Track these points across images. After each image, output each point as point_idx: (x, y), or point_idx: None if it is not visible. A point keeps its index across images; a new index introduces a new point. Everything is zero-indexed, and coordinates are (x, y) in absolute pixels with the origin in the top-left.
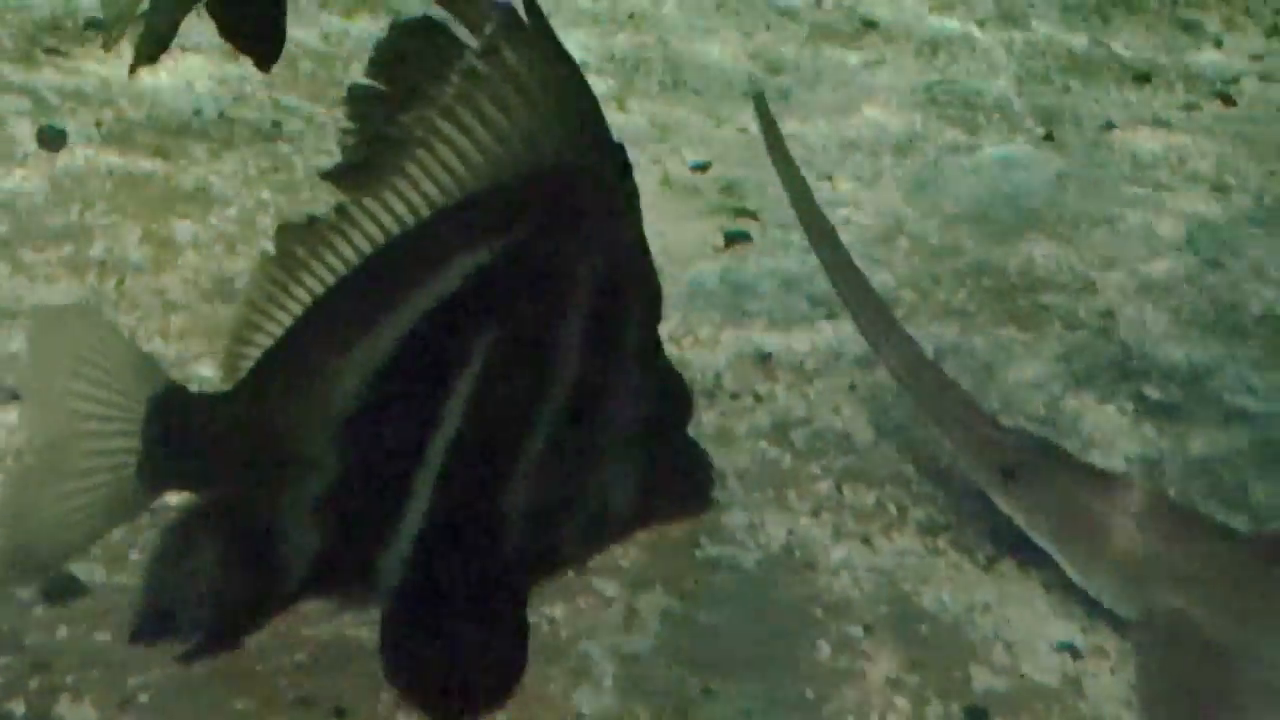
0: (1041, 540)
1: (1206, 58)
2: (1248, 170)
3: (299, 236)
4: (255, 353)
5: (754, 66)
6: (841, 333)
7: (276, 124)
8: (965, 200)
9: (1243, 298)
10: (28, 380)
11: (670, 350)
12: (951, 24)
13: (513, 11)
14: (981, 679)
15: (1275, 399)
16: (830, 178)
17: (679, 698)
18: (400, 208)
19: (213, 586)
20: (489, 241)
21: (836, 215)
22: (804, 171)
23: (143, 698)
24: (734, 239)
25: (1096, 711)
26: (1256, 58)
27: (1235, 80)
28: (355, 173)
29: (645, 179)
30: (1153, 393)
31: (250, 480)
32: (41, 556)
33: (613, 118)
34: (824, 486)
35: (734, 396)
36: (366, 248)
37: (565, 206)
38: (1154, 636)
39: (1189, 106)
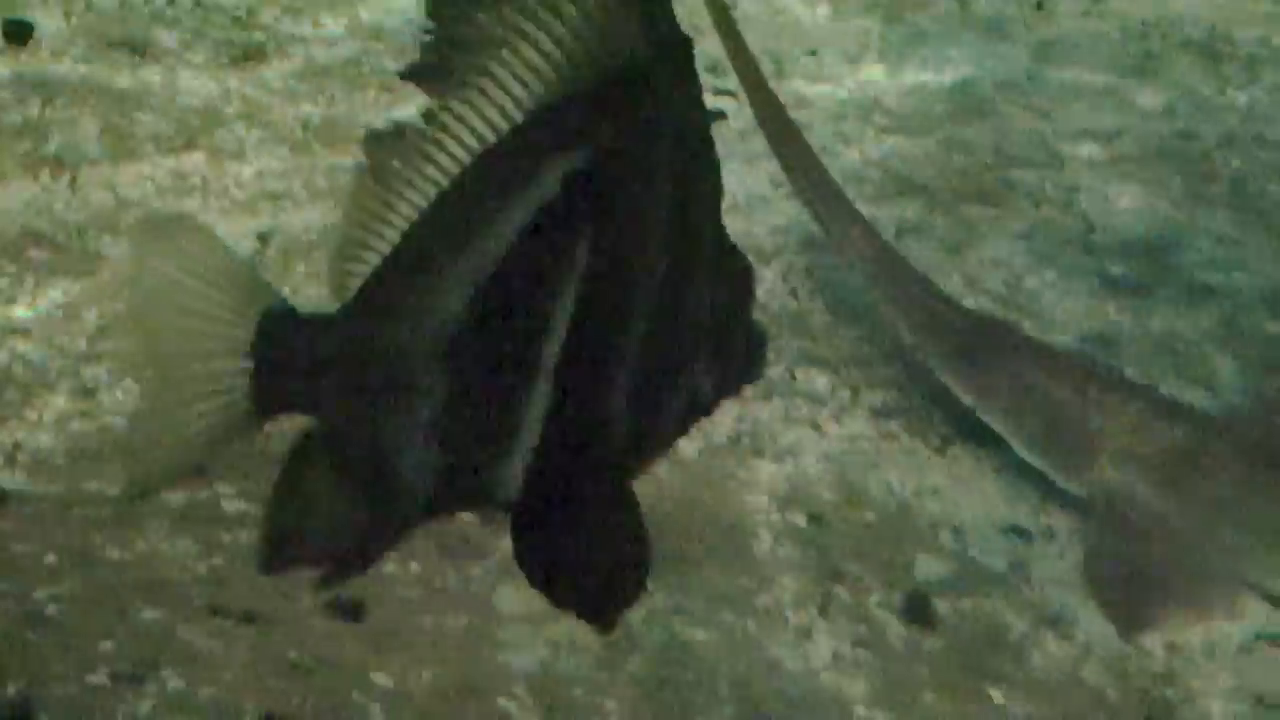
0: (994, 420)
1: None
2: (1242, 36)
3: (391, 147)
4: (361, 269)
5: None
6: (804, 214)
7: (252, 11)
8: (947, 74)
9: (1213, 169)
10: (133, 295)
11: None
12: None
13: None
14: (926, 565)
15: (1237, 273)
16: (815, 52)
17: None
18: (490, 111)
19: (336, 512)
20: (578, 144)
21: (816, 91)
22: (792, 47)
23: (50, 609)
24: None
25: (1041, 595)
26: None
27: None
28: (439, 74)
29: None
30: (1115, 269)
31: (366, 402)
32: (156, 475)
33: None
34: (776, 371)
35: None
36: (460, 154)
37: (645, 103)
38: (1103, 516)
39: None
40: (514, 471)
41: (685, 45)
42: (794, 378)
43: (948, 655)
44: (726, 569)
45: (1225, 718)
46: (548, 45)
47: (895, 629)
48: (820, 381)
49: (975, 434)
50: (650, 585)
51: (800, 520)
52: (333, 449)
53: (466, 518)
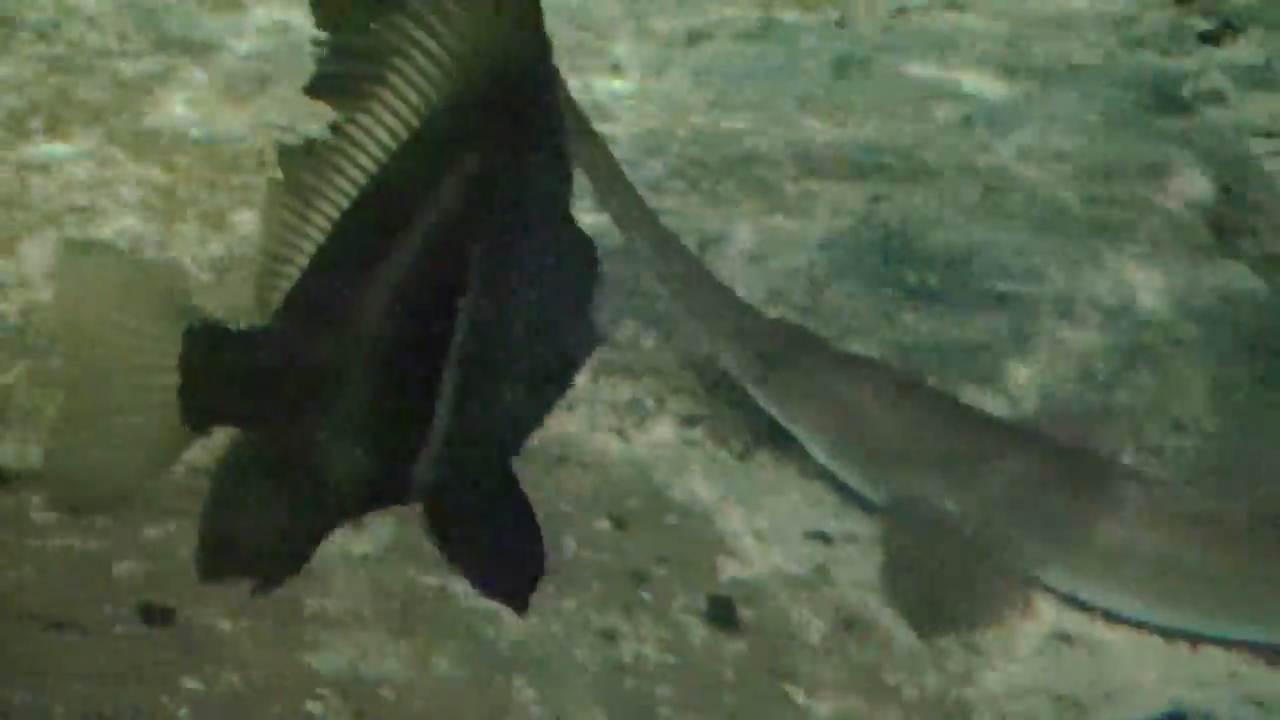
0: (795, 428)
1: None
2: (1036, 51)
3: (301, 160)
4: (282, 284)
5: None
6: (605, 223)
7: None
8: (750, 85)
9: (1010, 181)
10: (58, 321)
11: None
12: None
13: None
14: (729, 570)
15: (1033, 282)
16: (618, 67)
17: (411, 599)
18: (390, 119)
19: (268, 519)
20: (470, 149)
21: (623, 106)
22: (597, 62)
23: None
24: None
25: (842, 598)
26: None
27: None
28: (339, 86)
29: None
30: (913, 278)
31: (292, 410)
32: (92, 500)
33: None
34: (581, 380)
35: None
36: (367, 164)
37: (520, 105)
38: (901, 520)
39: None
40: (427, 466)
41: (547, 45)
42: (598, 385)
43: (750, 657)
44: None
45: (1023, 717)
46: (438, 51)
47: (699, 632)
48: (625, 390)
49: (778, 441)
50: (450, 587)
51: (605, 525)
52: (260, 458)
53: None
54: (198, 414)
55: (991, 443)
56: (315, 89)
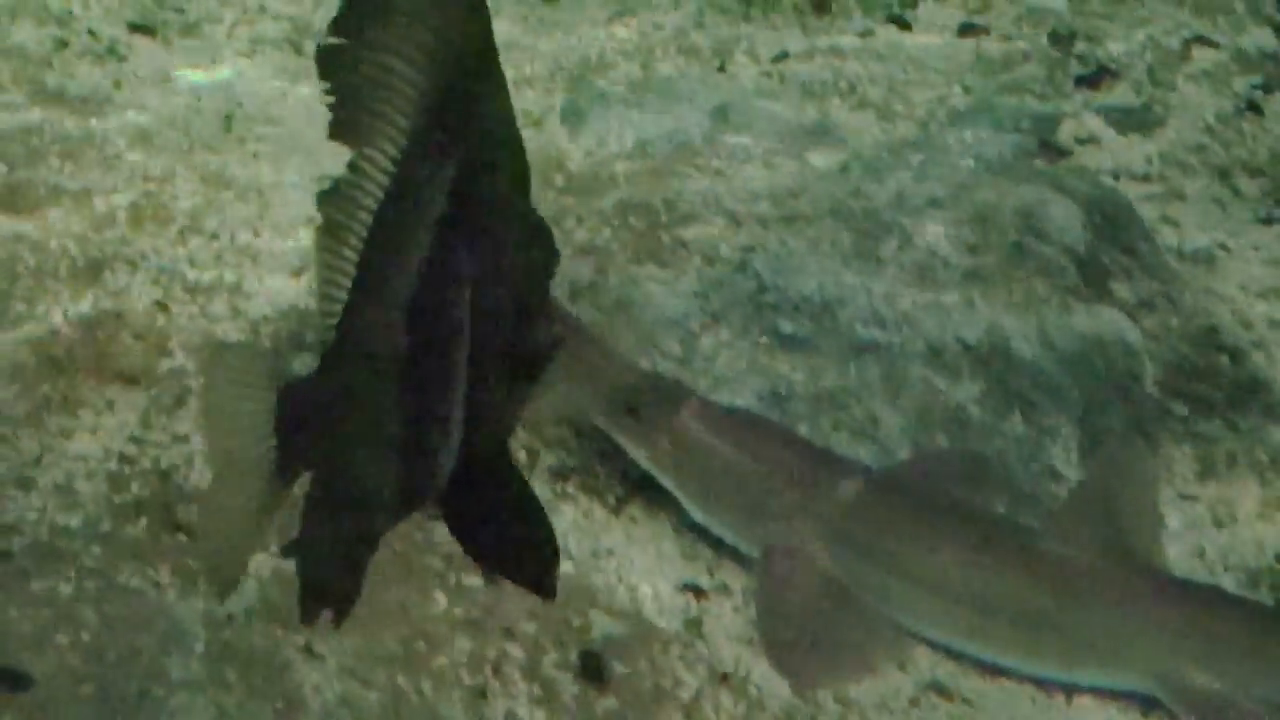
0: (666, 480)
1: None
2: (915, 97)
3: (333, 202)
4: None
5: None
6: None
7: None
8: (628, 137)
9: (884, 227)
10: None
11: None
12: None
13: None
14: (601, 624)
15: (903, 330)
16: None
17: (274, 659)
18: (392, 149)
19: (338, 549)
20: (449, 158)
21: None
22: None
23: None
24: None
25: (715, 651)
26: None
27: (913, 4)
28: (347, 127)
29: None
30: (786, 327)
31: (342, 444)
32: (228, 566)
33: None
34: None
35: None
36: (378, 193)
37: (484, 108)
38: (773, 570)
39: (865, 34)
40: (446, 470)
41: (494, 51)
42: None
43: (621, 713)
44: (400, 631)
45: None
46: (412, 78)
47: (569, 688)
48: None
49: (651, 493)
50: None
51: (476, 582)
52: (322, 494)
53: None
54: (283, 464)
55: (864, 493)
56: (333, 134)
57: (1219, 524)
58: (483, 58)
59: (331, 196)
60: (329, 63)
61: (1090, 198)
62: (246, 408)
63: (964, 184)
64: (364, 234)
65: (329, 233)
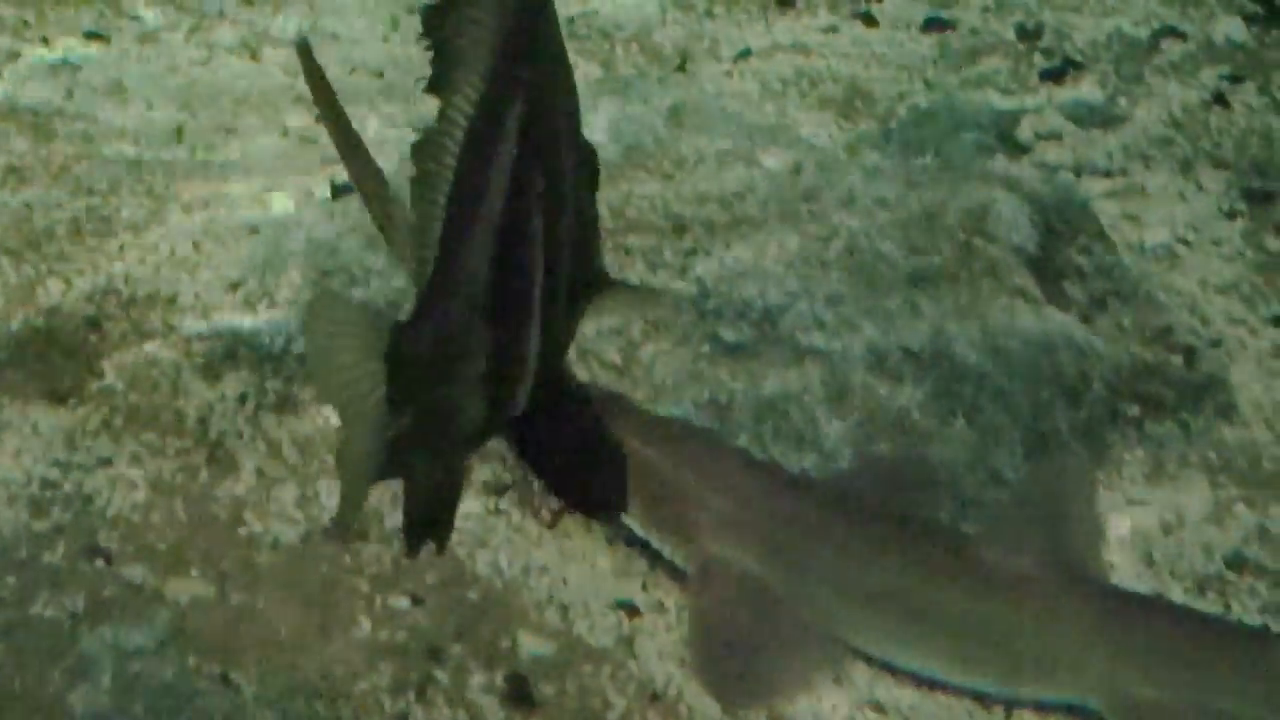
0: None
1: None
2: (877, 93)
3: (426, 152)
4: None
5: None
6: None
7: None
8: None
9: (831, 230)
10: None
11: None
12: None
13: None
14: (530, 644)
15: (845, 335)
16: None
17: (186, 691)
18: (474, 95)
19: (435, 477)
20: (517, 97)
21: None
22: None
23: None
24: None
25: (646, 670)
26: None
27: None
28: (444, 81)
29: None
30: (727, 334)
31: (435, 379)
32: (356, 496)
33: None
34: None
35: (302, 361)
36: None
37: (543, 45)
38: (706, 585)
39: (830, 29)
40: (525, 394)
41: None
42: None
43: None
44: (321, 657)
45: None
46: (491, 24)
47: (494, 712)
48: None
49: None
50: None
51: (403, 603)
52: (419, 429)
53: None
54: (391, 400)
55: (799, 505)
56: (429, 88)
57: (1167, 529)
58: (546, 11)
59: (424, 147)
60: (432, 22)
61: (1043, 196)
62: (354, 355)
63: (915, 183)
64: (449, 179)
65: (422, 181)
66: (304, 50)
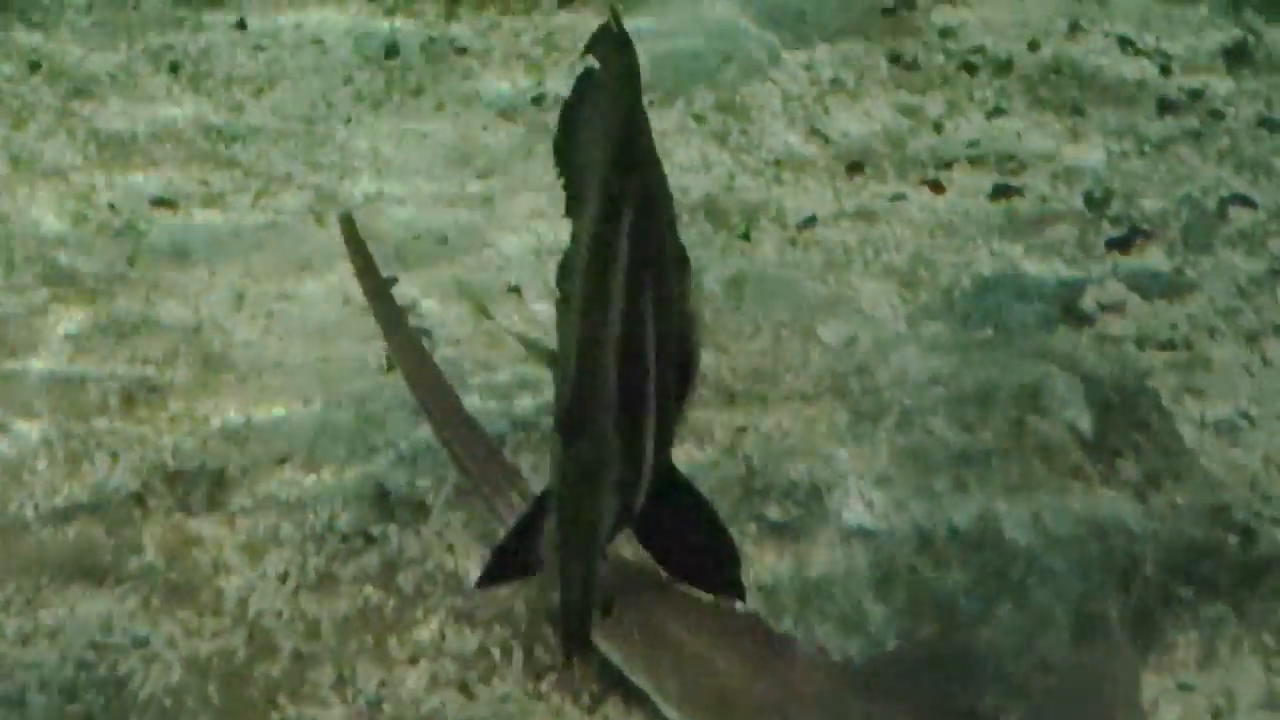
0: (639, 678)
1: (924, 143)
2: (941, 262)
3: (562, 273)
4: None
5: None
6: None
7: None
8: None
9: (882, 406)
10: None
11: None
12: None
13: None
14: None
15: (894, 516)
16: (518, 289)
17: None
18: (588, 215)
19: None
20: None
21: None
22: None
23: None
24: None
25: None
26: (973, 143)
27: (948, 166)
28: (577, 203)
29: None
30: (773, 513)
31: (589, 494)
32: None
33: None
34: (426, 632)
35: (344, 539)
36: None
37: (642, 190)
38: None
39: (897, 196)
40: (642, 496)
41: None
42: (444, 638)
43: None
44: None
45: None
46: (603, 153)
47: None
48: (471, 640)
49: (627, 691)
50: None
51: None
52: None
53: None
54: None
55: (837, 688)
56: (566, 213)
57: (1216, 715)
58: (643, 132)
59: (561, 269)
60: (559, 151)
61: (1101, 371)
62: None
63: (970, 358)
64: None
65: (564, 302)
66: (347, 223)
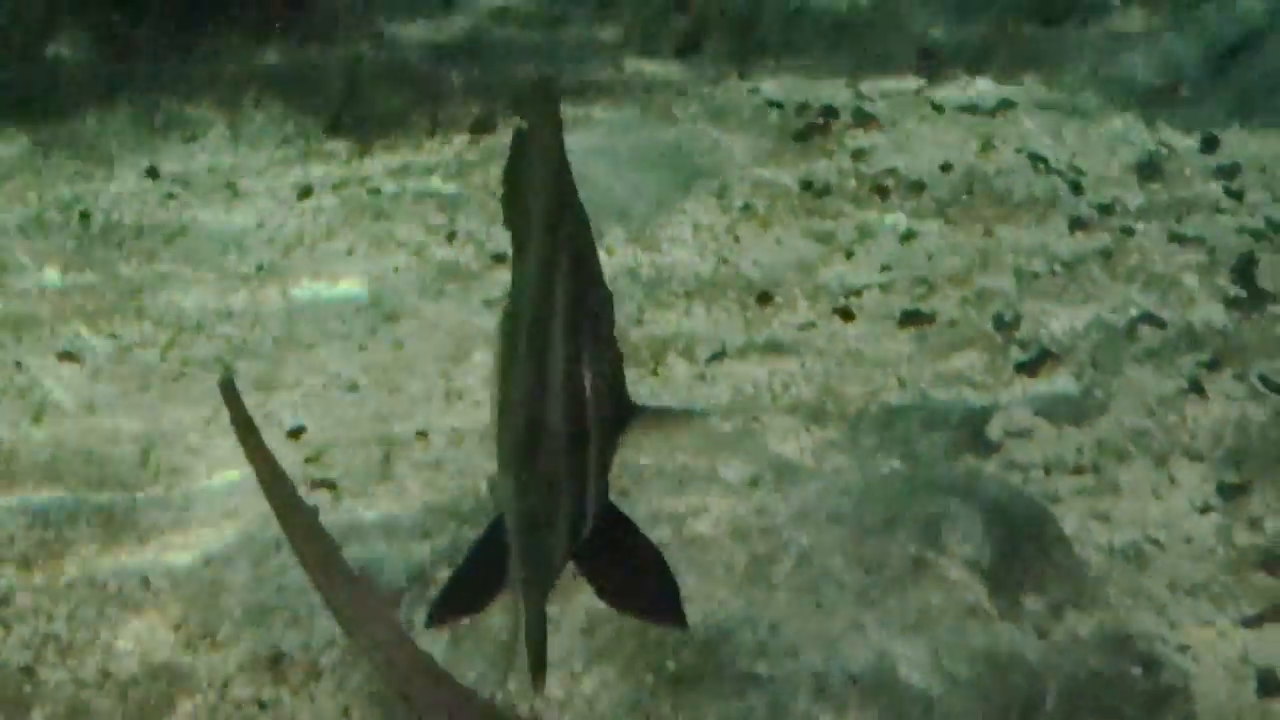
0: None
1: (834, 270)
2: (850, 392)
3: (505, 327)
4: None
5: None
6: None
7: None
8: None
9: (780, 547)
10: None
11: None
12: None
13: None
14: None
15: (789, 662)
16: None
17: None
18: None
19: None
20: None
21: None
22: None
23: None
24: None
25: None
26: (884, 268)
27: (859, 293)
28: (520, 257)
29: None
30: (669, 663)
31: (545, 531)
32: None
33: None
34: None
35: (238, 706)
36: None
37: (569, 208)
38: None
39: (807, 325)
40: (586, 528)
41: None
42: None
43: None
44: None
45: None
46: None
47: None
48: None
49: None
50: None
51: None
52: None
53: None
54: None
55: None
56: (513, 265)
57: None
58: (567, 187)
59: (504, 322)
60: (504, 211)
61: (1003, 502)
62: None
63: (870, 493)
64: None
65: (504, 353)
66: (227, 386)
